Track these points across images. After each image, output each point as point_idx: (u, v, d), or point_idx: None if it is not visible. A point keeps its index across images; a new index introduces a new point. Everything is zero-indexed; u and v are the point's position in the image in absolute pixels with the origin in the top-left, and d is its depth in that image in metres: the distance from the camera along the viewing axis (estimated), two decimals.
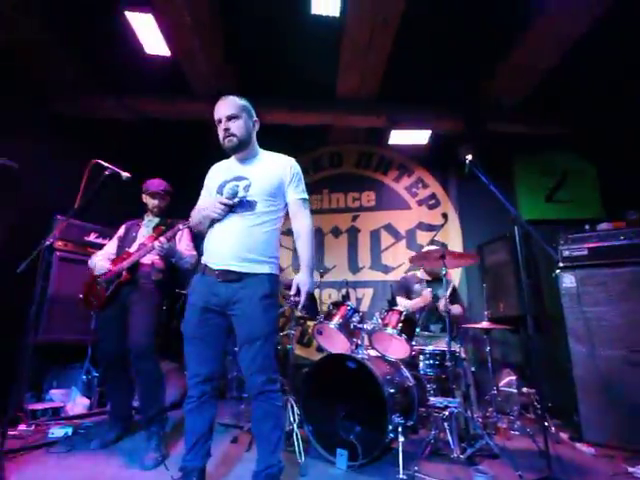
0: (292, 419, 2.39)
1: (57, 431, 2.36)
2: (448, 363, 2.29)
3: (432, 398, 2.31)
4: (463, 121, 3.77)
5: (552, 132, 4.03)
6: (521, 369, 3.36)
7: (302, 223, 1.66)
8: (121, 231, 2.60)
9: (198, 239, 2.09)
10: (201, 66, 3.27)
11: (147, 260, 2.36)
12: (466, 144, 3.79)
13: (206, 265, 1.59)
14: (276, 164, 1.70)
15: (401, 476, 1.87)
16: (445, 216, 4.27)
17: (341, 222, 4.42)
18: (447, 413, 2.14)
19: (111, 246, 2.55)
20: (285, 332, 3.09)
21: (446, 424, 2.20)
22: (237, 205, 1.58)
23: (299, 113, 3.83)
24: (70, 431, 2.38)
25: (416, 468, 1.90)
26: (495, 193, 2.34)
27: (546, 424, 2.48)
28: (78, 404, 2.79)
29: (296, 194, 1.69)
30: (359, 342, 2.55)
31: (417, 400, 2.45)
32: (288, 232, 4.45)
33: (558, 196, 4.06)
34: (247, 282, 1.52)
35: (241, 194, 1.59)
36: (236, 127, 1.61)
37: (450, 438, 2.15)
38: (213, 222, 1.62)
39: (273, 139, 4.39)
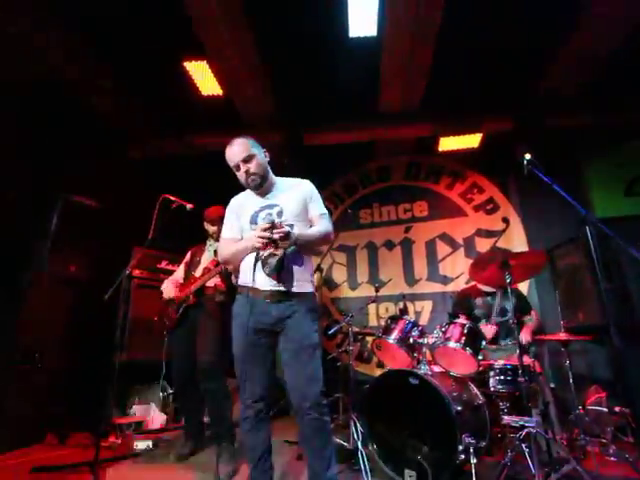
0: (356, 437, 2.36)
1: (140, 444, 2.57)
2: (521, 379, 2.12)
3: (506, 417, 2.13)
4: (517, 119, 3.57)
5: (622, 120, 3.66)
6: (611, 385, 2.98)
7: (320, 227, 1.72)
8: (187, 257, 2.84)
9: None
10: (250, 100, 3.51)
11: (211, 283, 2.55)
12: (523, 143, 3.59)
13: (250, 287, 1.63)
14: (297, 187, 1.78)
15: None
16: (506, 220, 4.01)
17: (394, 235, 4.36)
18: (524, 433, 1.96)
19: (180, 271, 2.79)
20: (343, 348, 3.08)
21: (524, 446, 2.01)
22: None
23: (345, 132, 3.93)
24: (151, 444, 2.58)
25: None
26: (560, 192, 2.18)
27: None
28: (156, 419, 3.02)
29: (317, 210, 1.75)
30: (421, 357, 2.47)
31: (489, 419, 2.28)
32: (341, 248, 4.51)
33: None
34: (295, 300, 1.62)
35: (276, 220, 1.60)
36: (255, 166, 1.69)
37: (530, 461, 1.97)
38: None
39: (322, 159, 4.57)
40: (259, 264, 1.61)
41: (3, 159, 2.79)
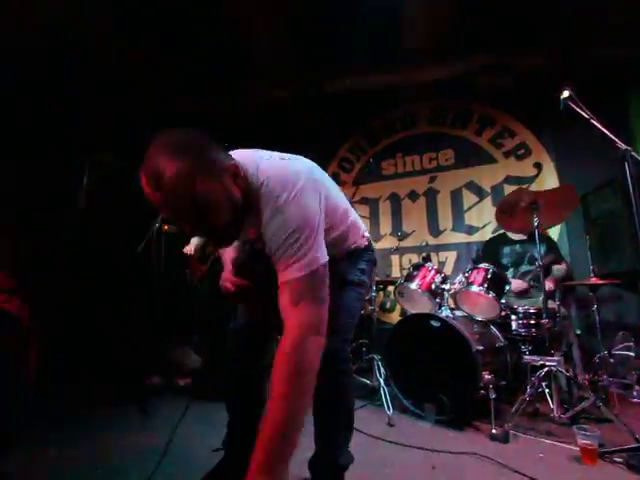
0: (378, 375, 2.49)
1: (180, 381, 2.82)
2: (544, 320, 2.12)
3: (527, 356, 2.16)
4: (558, 51, 3.24)
5: None
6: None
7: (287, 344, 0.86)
8: None
9: None
10: (265, 44, 3.37)
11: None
12: (564, 79, 3.29)
13: None
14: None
15: (493, 431, 1.83)
16: (538, 166, 3.79)
17: (418, 185, 4.24)
18: (544, 372, 1.99)
19: None
20: (366, 297, 3.15)
21: (544, 384, 2.06)
22: None
23: (367, 75, 3.72)
24: (190, 381, 2.83)
25: (510, 424, 1.84)
26: (598, 127, 2.03)
27: None
28: (194, 361, 3.28)
29: (285, 273, 0.92)
30: (442, 303, 2.50)
31: (510, 360, 2.33)
32: (363, 201, 4.46)
33: None
34: None
35: None
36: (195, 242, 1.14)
37: (549, 398, 2.02)
38: None
39: (341, 109, 4.38)
40: None
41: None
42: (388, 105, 4.46)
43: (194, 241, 2.78)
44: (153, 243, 2.86)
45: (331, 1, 3.15)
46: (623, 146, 1.91)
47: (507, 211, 2.33)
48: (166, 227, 3.51)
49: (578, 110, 2.09)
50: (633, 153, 1.89)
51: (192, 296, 3.50)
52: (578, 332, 2.92)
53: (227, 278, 1.27)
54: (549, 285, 2.57)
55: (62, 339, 2.88)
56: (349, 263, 1.34)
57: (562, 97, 2.18)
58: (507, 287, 2.37)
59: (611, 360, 2.50)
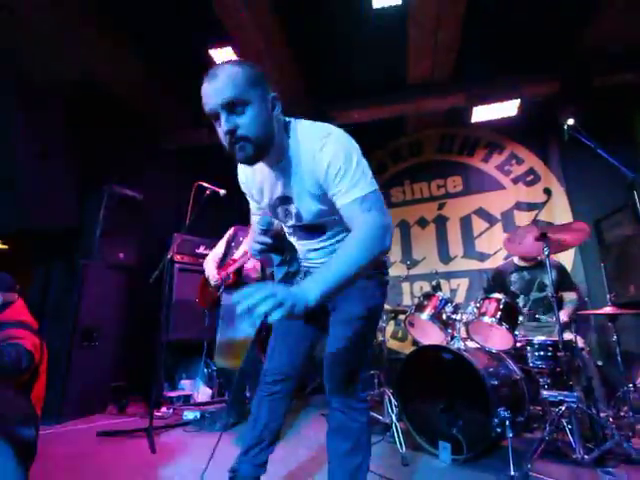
0: (390, 411, 2.41)
1: (189, 414, 2.78)
2: (561, 353, 2.05)
3: (544, 392, 2.08)
4: (560, 81, 3.31)
5: None
6: None
7: (358, 234, 0.96)
8: (230, 233, 2.98)
9: None
10: (276, 83, 3.52)
11: (250, 265, 2.67)
12: (568, 107, 3.33)
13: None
14: (311, 162, 1.04)
15: (512, 473, 1.74)
16: (548, 192, 3.78)
17: (427, 212, 4.25)
18: (564, 408, 1.91)
19: (220, 248, 2.93)
20: (377, 326, 3.11)
21: (564, 421, 1.96)
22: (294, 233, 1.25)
23: (373, 108, 3.83)
24: (198, 415, 2.79)
25: (529, 466, 1.75)
26: (605, 156, 2.04)
27: None
28: (203, 393, 3.25)
29: (348, 194, 0.99)
30: (454, 333, 2.44)
31: (527, 395, 2.24)
32: None
33: None
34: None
35: (293, 221, 1.19)
36: (248, 123, 0.97)
37: (571, 437, 1.92)
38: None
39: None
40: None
41: (52, 155, 3.02)
42: (394, 134, 4.57)
43: (209, 268, 2.83)
44: (165, 273, 2.91)
45: (337, 39, 3.31)
46: (630, 174, 1.91)
47: (516, 240, 2.30)
48: (177, 257, 3.59)
49: (582, 139, 2.11)
50: None
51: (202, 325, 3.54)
52: (600, 363, 2.81)
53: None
54: (563, 318, 2.50)
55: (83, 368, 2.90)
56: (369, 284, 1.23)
57: (565, 126, 2.21)
58: (520, 318, 2.31)
59: (635, 395, 2.37)
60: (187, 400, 3.21)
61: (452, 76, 3.51)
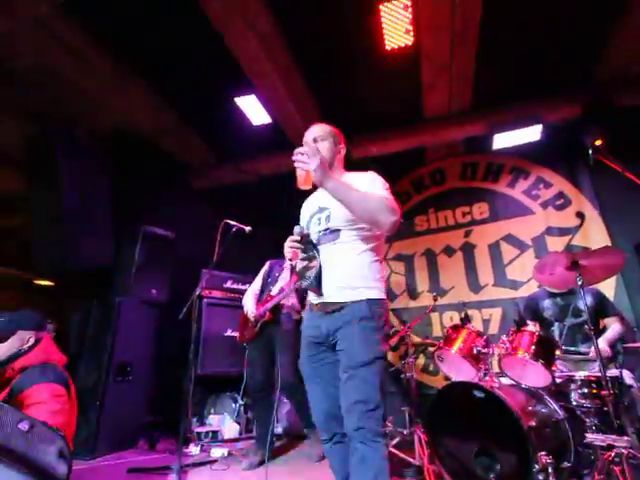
0: (421, 452, 2.29)
1: (216, 451, 2.77)
2: (604, 391, 1.89)
3: (589, 435, 1.91)
4: (580, 104, 3.26)
5: None
6: None
7: (380, 196, 1.46)
8: (265, 268, 3.08)
9: None
10: (297, 122, 3.70)
11: (288, 302, 2.73)
12: (592, 130, 3.25)
13: (310, 302, 1.60)
14: (354, 183, 1.49)
15: None
16: (581, 215, 3.62)
17: (453, 240, 4.17)
18: (613, 454, 1.74)
19: (257, 283, 3.02)
20: (407, 360, 3.02)
21: (617, 469, 1.78)
22: (309, 241, 1.56)
23: (392, 141, 3.91)
24: (226, 452, 2.77)
25: None
26: (634, 179, 1.97)
27: None
28: (230, 429, 3.23)
29: (374, 191, 1.49)
30: (487, 368, 2.33)
31: (572, 436, 2.06)
32: (398, 257, 4.44)
33: None
34: (346, 310, 1.43)
35: (322, 226, 1.56)
36: (321, 148, 1.55)
37: None
38: None
39: (371, 170, 4.56)
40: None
41: (93, 199, 3.29)
42: (415, 163, 4.60)
43: (249, 304, 2.91)
44: (194, 308, 3.00)
45: (354, 79, 3.46)
46: None
47: (546, 272, 2.20)
48: (206, 292, 3.71)
49: (608, 163, 2.05)
50: None
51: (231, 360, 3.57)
52: None
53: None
54: (603, 346, 2.32)
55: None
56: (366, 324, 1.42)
57: (589, 151, 2.16)
58: (557, 352, 2.18)
59: None
60: (215, 436, 3.19)
61: (470, 105, 3.55)
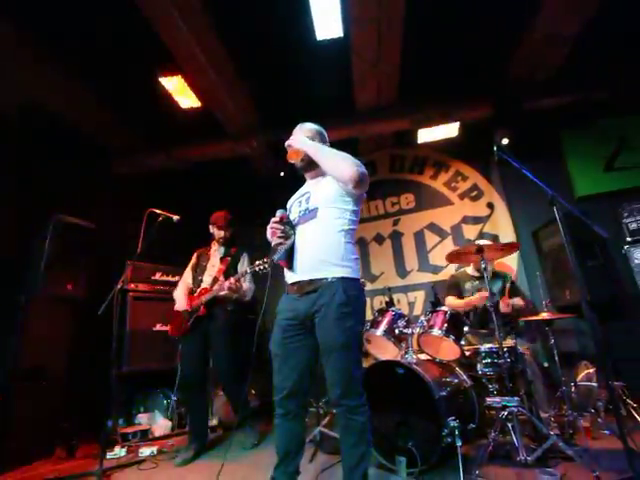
0: None
1: (145, 450, 2.66)
2: (501, 360, 2.18)
3: (488, 399, 2.19)
4: (492, 106, 3.61)
5: (601, 96, 3.66)
6: (599, 360, 3.02)
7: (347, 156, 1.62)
8: (193, 259, 2.97)
9: None
10: (228, 109, 3.58)
11: (221, 294, 2.65)
12: (502, 128, 3.63)
13: (287, 283, 1.66)
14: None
15: None
16: (491, 206, 4.06)
17: (383, 228, 4.41)
18: (506, 413, 2.02)
19: (188, 276, 2.89)
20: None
21: (509, 425, 2.08)
22: (289, 222, 1.68)
23: (327, 132, 3.97)
24: (155, 450, 2.67)
25: (477, 472, 1.83)
26: (529, 176, 2.24)
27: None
28: (161, 426, 3.11)
29: None
30: (408, 347, 2.53)
31: (478, 402, 2.35)
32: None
33: (620, 162, 3.66)
34: (322, 292, 1.50)
35: (303, 207, 1.68)
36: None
37: (515, 439, 2.03)
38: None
39: None
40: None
41: None
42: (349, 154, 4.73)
43: (179, 298, 2.80)
44: (116, 303, 2.80)
45: (287, 70, 3.44)
46: (550, 191, 2.11)
47: (455, 257, 2.46)
48: (131, 286, 3.48)
49: (508, 160, 2.31)
50: (560, 199, 2.10)
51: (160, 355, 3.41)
52: (546, 365, 3.00)
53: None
54: (503, 307, 2.68)
55: None
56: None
57: (495, 148, 2.41)
58: (465, 328, 2.45)
59: (573, 394, 2.55)
60: (145, 435, 3.06)
61: (397, 101, 3.73)
